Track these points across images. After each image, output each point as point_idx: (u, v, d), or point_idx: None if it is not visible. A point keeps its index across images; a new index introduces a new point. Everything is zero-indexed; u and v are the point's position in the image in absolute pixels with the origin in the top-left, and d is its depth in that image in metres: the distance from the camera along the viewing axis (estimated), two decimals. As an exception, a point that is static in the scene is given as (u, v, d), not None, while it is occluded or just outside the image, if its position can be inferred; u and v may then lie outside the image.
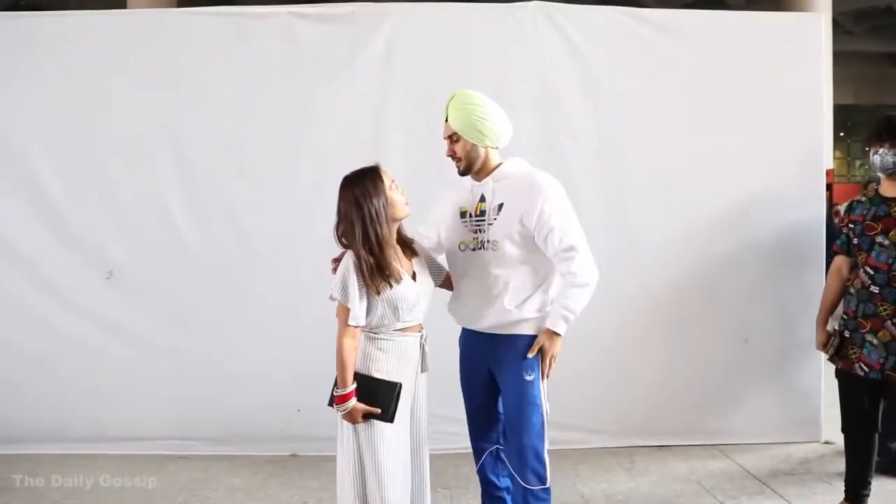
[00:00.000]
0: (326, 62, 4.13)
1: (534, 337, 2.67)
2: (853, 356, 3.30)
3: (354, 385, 2.48)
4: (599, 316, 3.75)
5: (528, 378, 2.65)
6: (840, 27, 16.10)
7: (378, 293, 2.43)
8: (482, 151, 2.68)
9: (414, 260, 2.64)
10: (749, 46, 4.20)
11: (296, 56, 4.11)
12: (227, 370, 4.07)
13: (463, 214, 2.75)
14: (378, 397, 2.48)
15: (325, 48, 4.11)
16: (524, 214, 2.63)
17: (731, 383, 4.29)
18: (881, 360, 3.23)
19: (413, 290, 2.54)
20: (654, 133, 4.18)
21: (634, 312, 4.21)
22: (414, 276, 2.58)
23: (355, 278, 2.43)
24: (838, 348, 3.36)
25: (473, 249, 2.69)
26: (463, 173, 2.73)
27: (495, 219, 2.67)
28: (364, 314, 2.48)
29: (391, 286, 2.45)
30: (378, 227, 2.43)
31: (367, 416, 2.49)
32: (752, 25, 4.27)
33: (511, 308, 2.65)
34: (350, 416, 2.49)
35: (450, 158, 2.70)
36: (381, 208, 2.44)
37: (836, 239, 3.46)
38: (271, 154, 4.10)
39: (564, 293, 2.64)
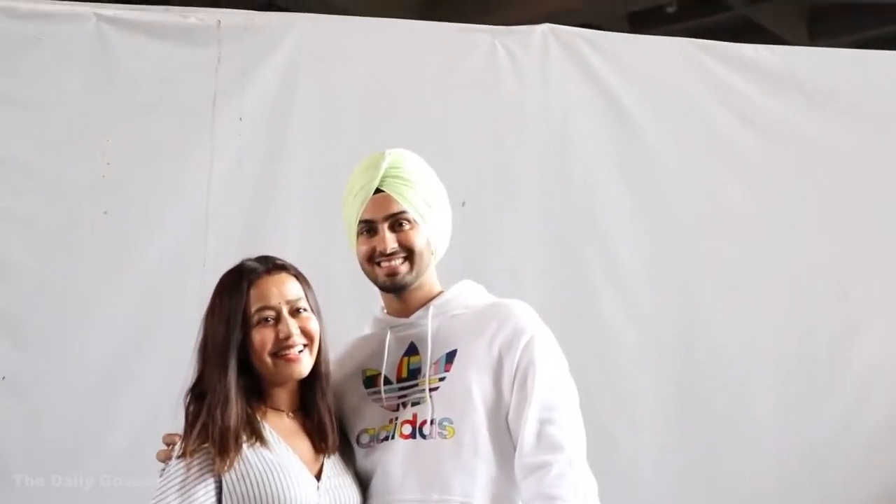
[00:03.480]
0: (164, 106, 2.98)
1: None
2: None
3: None
4: None
5: None
6: None
7: (209, 472, 1.79)
8: (429, 258, 2.04)
9: (328, 458, 1.91)
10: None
11: (107, 91, 2.95)
12: None
13: (371, 381, 2.05)
14: None
15: (165, 81, 2.99)
16: (499, 368, 1.93)
17: None
18: None
19: (308, 493, 1.82)
20: (755, 244, 3.08)
21: None
22: (319, 476, 1.87)
23: (177, 453, 1.81)
24: None
25: (387, 439, 1.97)
26: (398, 288, 2.02)
27: (442, 379, 1.96)
28: None
29: (226, 459, 1.77)
30: (205, 357, 1.86)
31: None
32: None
33: None
34: None
35: (378, 262, 2.01)
36: (223, 328, 1.85)
37: None
38: (47, 273, 2.89)
39: None
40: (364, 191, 2.00)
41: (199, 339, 1.92)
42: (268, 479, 1.83)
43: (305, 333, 1.90)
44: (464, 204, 2.73)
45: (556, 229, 3.07)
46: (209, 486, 1.79)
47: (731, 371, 3.02)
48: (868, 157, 3.09)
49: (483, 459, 1.89)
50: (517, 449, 1.90)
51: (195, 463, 1.79)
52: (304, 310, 1.91)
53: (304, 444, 1.92)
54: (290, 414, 1.94)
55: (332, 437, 1.93)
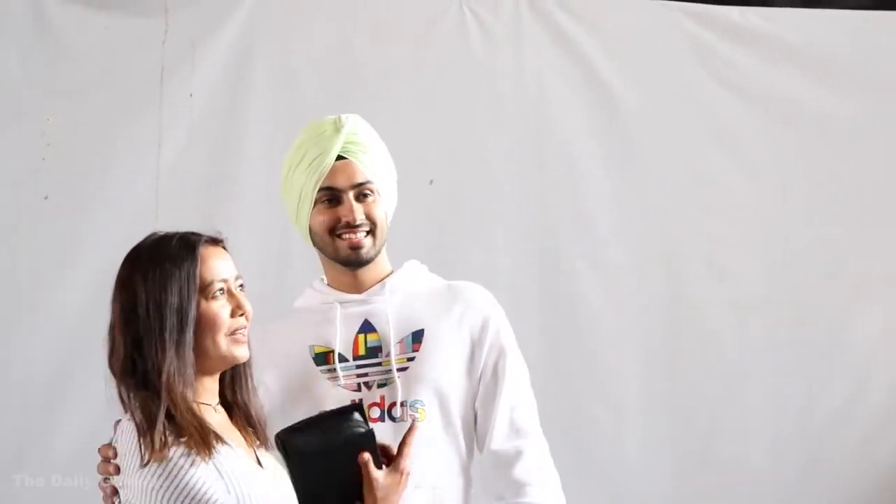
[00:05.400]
0: (108, 82, 2.95)
1: None
2: None
3: None
4: None
5: None
6: None
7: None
8: (386, 232, 2.08)
9: (261, 450, 1.83)
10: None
11: (46, 67, 2.95)
12: None
13: (322, 358, 2.02)
14: None
15: (108, 56, 2.96)
16: (470, 353, 1.97)
17: None
18: None
19: (266, 482, 1.72)
20: (745, 220, 3.05)
21: None
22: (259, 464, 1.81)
23: (146, 457, 1.59)
24: None
25: None
26: (362, 263, 2.01)
27: (411, 359, 1.98)
28: None
29: (209, 449, 1.61)
30: (144, 332, 1.64)
31: None
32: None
33: None
34: None
35: (339, 234, 1.99)
36: (176, 297, 1.68)
37: None
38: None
39: None
40: (324, 157, 1.95)
41: (124, 312, 1.68)
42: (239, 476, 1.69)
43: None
44: (432, 182, 2.71)
45: (531, 207, 3.01)
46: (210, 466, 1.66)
47: (722, 357, 2.97)
48: (864, 125, 3.03)
49: (454, 444, 1.91)
50: (487, 436, 1.93)
51: (180, 452, 1.62)
52: (243, 287, 1.82)
53: (237, 440, 1.81)
54: (216, 407, 1.82)
55: (262, 430, 1.86)
